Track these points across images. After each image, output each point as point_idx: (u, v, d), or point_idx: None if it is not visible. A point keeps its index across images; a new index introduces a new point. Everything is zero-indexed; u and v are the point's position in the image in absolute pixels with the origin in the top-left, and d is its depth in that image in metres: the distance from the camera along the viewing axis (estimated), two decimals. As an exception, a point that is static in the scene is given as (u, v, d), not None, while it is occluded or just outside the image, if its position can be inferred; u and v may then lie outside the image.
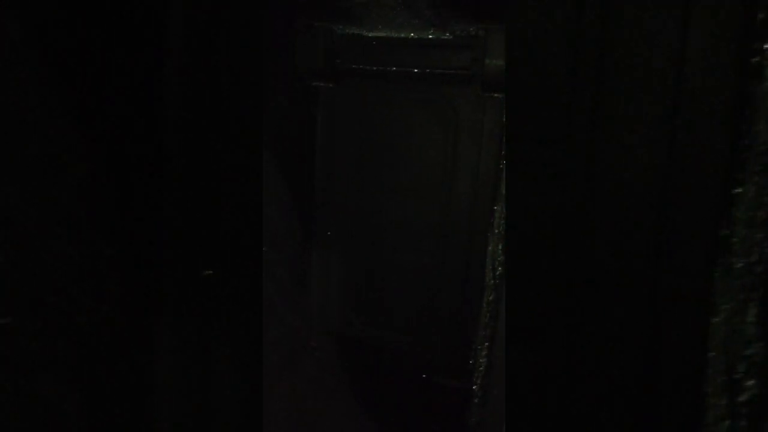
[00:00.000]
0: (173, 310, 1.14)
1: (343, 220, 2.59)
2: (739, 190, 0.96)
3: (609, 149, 1.06)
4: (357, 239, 2.60)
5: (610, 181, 1.06)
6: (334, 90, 2.39)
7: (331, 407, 2.44)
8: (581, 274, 1.10)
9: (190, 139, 1.14)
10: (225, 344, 1.19)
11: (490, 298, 1.70)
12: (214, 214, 1.18)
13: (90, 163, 0.99)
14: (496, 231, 1.94)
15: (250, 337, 1.23)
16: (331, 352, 2.72)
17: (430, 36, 2.08)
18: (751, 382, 0.93)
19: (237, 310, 1.21)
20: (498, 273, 1.73)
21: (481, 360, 1.74)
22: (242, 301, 1.22)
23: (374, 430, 2.35)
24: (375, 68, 2.27)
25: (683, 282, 1.03)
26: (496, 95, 2.16)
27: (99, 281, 1.01)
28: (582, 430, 1.12)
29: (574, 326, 1.12)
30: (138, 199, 1.08)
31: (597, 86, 1.05)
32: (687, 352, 1.04)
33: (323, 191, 2.56)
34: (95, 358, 1.03)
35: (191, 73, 1.14)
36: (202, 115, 1.15)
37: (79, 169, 0.98)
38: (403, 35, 2.11)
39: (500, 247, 1.71)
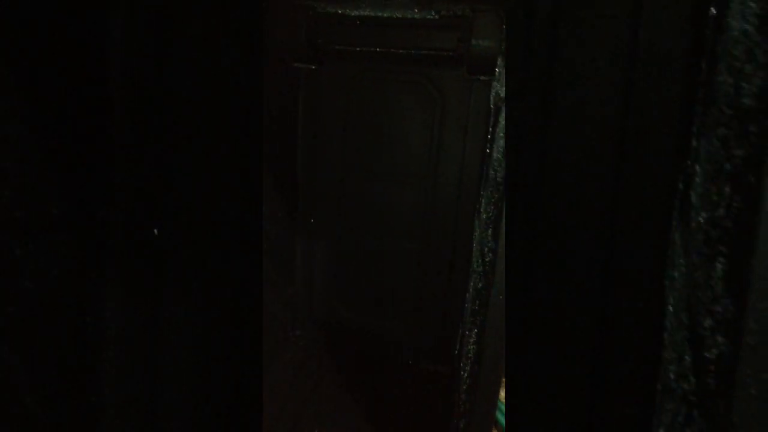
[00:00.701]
0: (123, 276, 1.10)
1: (327, 206, 2.53)
2: (697, 143, 0.94)
3: (565, 102, 1.04)
4: (341, 225, 2.55)
5: (567, 133, 1.04)
6: (315, 71, 2.32)
7: (316, 395, 2.41)
8: (541, 227, 1.08)
9: (138, 93, 1.08)
10: (179, 311, 1.15)
11: (480, 285, 1.67)
12: (168, 175, 1.12)
13: (34, 117, 0.93)
14: (484, 216, 1.91)
15: (203, 299, 1.19)
16: (316, 340, 2.68)
17: (415, 16, 2.01)
18: (719, 339, 0.91)
19: (191, 275, 1.16)
20: (488, 260, 1.70)
21: (470, 347, 1.72)
22: (199, 267, 1.17)
23: (360, 416, 2.33)
24: (358, 49, 2.20)
25: (638, 237, 1.01)
26: (482, 77, 2.12)
27: (47, 244, 0.96)
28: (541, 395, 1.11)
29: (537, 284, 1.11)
30: (88, 157, 1.02)
31: (552, 37, 1.02)
32: (643, 309, 1.02)
33: (306, 176, 2.49)
34: (43, 325, 0.99)
35: (139, 21, 1.07)
36: (154, 69, 1.09)
37: (23, 123, 0.92)
38: (387, 14, 2.04)
39: (489, 232, 1.67)
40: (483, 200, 1.97)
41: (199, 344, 1.18)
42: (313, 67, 2.28)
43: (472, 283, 1.86)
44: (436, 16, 2.03)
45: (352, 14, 2.07)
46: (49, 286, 0.97)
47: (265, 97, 2.22)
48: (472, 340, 1.68)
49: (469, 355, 1.71)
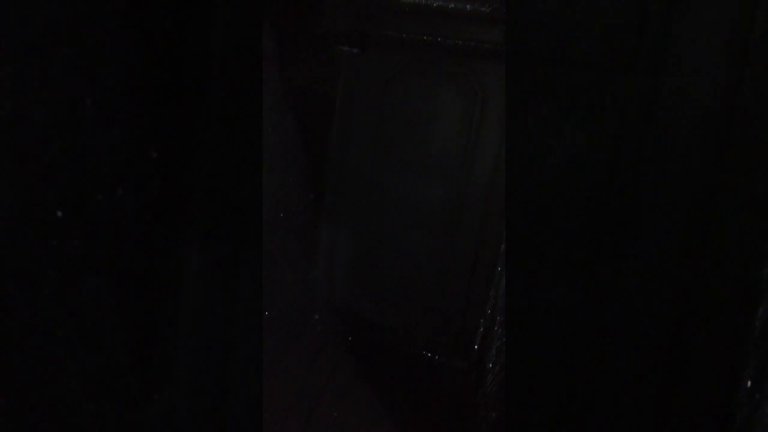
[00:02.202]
0: (205, 223, 1.11)
1: (356, 193, 2.52)
2: None
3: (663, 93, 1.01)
4: (368, 213, 2.54)
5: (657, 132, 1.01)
6: (358, 56, 2.31)
7: (331, 382, 2.39)
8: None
9: (234, 63, 1.09)
10: (252, 268, 1.16)
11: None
12: (251, 136, 1.13)
13: (139, 68, 0.95)
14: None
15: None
16: (333, 326, 2.67)
17: (467, 7, 2.02)
18: None
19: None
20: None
21: (500, 341, 1.72)
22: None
23: (377, 405, 2.32)
24: (405, 36, 2.20)
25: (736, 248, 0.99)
26: (527, 74, 2.12)
27: (143, 184, 0.98)
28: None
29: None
30: (184, 105, 1.05)
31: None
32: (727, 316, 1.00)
33: (337, 161, 2.48)
34: (131, 265, 1.00)
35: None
36: (249, 40, 1.10)
37: (130, 72, 0.94)
38: (438, 4, 2.04)
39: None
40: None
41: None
42: (357, 51, 2.27)
43: (505, 280, 1.86)
44: (488, 9, 2.03)
45: (404, 1, 2.06)
46: (140, 228, 0.97)
47: (308, 78, 2.22)
48: (499, 335, 1.67)
49: (503, 348, 1.70)
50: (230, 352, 1.13)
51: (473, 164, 2.35)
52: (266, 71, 1.71)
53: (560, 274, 1.15)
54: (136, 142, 0.94)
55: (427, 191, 2.47)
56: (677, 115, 0.98)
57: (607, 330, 1.05)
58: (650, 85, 0.98)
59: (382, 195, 2.51)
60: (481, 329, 2.36)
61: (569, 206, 1.12)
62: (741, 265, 0.97)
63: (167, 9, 0.94)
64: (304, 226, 2.41)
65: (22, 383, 0.81)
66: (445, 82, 2.27)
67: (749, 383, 0.93)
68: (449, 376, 2.49)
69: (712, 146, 0.97)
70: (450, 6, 2.01)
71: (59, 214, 0.80)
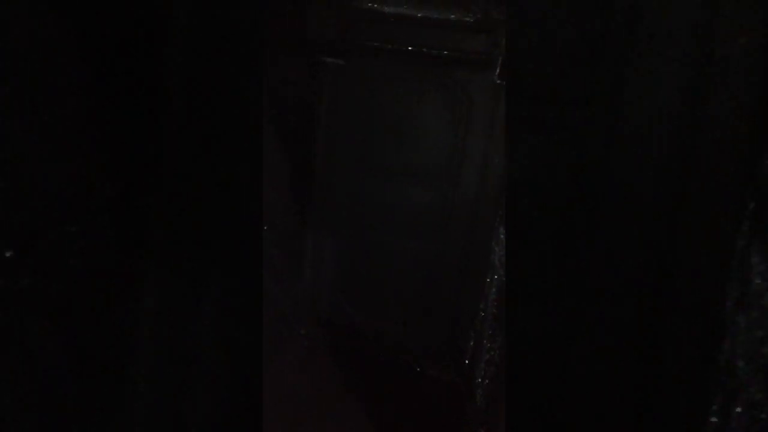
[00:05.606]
0: (163, 262, 1.08)
1: (342, 203, 2.49)
2: None
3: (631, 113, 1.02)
4: (354, 223, 2.51)
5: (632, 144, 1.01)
6: (342, 66, 2.28)
7: (319, 396, 2.35)
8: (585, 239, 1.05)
9: (193, 89, 1.07)
10: (216, 301, 1.13)
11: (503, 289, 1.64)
12: (215, 165, 1.10)
13: (92, 99, 0.92)
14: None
15: (246, 294, 1.17)
16: (321, 339, 2.63)
17: (452, 17, 2.00)
18: None
19: (233, 267, 1.14)
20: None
21: (493, 352, 1.69)
22: (239, 258, 1.15)
23: (364, 421, 2.28)
24: (388, 47, 2.17)
25: (695, 245, 0.99)
26: (512, 83, 2.10)
27: (94, 222, 0.96)
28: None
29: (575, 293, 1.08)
30: (139, 139, 1.02)
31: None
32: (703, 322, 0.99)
33: (323, 172, 2.45)
34: (82, 303, 0.98)
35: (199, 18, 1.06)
36: (207, 60, 1.07)
37: (81, 103, 0.91)
38: (422, 14, 2.02)
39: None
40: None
41: (221, 338, 1.15)
42: (341, 62, 2.24)
43: (495, 289, 1.84)
44: (471, 19, 2.02)
45: (386, 11, 2.04)
46: (92, 267, 0.94)
47: (289, 89, 2.19)
48: (497, 345, 1.65)
49: (495, 360, 1.68)
50: (190, 393, 1.09)
51: (460, 172, 2.33)
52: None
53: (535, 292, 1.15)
54: (88, 177, 0.91)
55: (414, 199, 2.44)
56: (639, 135, 0.98)
57: (571, 369, 1.04)
58: (612, 100, 0.99)
59: (368, 204, 2.49)
60: (471, 342, 2.33)
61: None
62: (703, 300, 0.96)
63: (119, 38, 0.91)
64: (289, 239, 2.38)
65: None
66: (430, 92, 2.25)
67: (714, 419, 0.93)
68: (439, 388, 2.46)
69: (669, 188, 0.97)
70: (434, 16, 1.99)
71: (8, 254, 0.77)
